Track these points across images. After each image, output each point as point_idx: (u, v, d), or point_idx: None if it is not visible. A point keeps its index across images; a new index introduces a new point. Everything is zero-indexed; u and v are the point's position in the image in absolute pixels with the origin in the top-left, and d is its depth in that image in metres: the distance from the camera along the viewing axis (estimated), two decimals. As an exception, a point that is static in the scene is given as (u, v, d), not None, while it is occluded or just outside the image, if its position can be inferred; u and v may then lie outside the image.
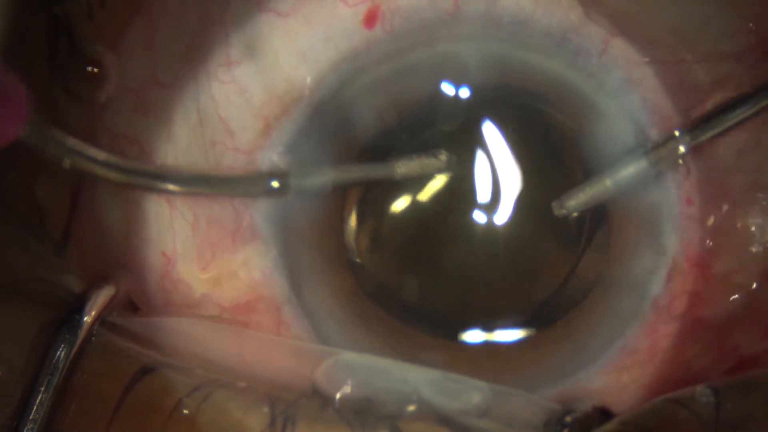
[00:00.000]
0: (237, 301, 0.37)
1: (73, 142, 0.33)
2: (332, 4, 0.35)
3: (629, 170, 0.35)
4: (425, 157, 0.37)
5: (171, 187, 0.35)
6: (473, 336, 0.39)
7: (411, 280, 0.39)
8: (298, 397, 0.32)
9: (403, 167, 0.37)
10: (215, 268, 0.37)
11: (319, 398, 0.32)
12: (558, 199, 0.37)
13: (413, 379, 0.33)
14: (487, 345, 0.39)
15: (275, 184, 0.36)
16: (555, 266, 0.39)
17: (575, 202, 0.37)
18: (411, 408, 0.32)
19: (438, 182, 0.38)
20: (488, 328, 0.39)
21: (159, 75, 0.36)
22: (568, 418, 0.30)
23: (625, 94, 0.35)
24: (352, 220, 0.39)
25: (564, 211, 0.37)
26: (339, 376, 0.33)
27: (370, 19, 0.35)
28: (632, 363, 0.36)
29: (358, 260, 0.39)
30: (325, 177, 0.36)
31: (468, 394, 0.32)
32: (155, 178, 0.35)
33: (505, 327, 0.39)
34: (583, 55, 0.35)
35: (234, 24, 0.35)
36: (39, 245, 0.35)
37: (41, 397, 0.32)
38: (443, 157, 0.37)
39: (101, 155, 0.34)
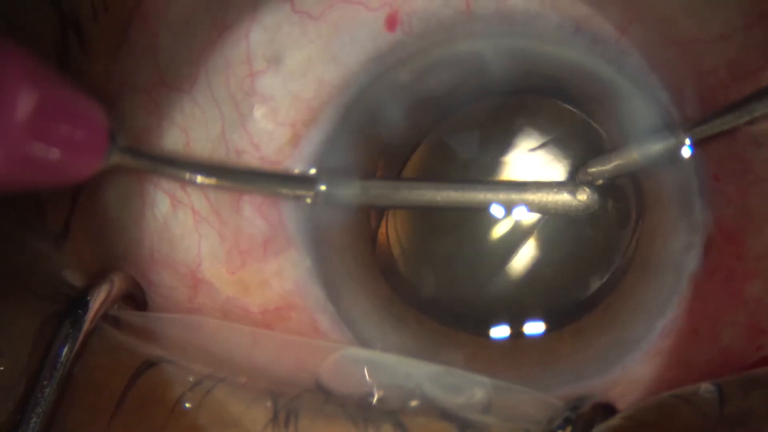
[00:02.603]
0: (266, 307, 0.37)
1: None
2: (355, 9, 0.35)
3: (654, 148, 0.36)
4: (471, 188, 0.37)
5: (198, 178, 0.35)
6: (515, 331, 0.39)
7: (445, 280, 0.39)
8: (301, 391, 0.32)
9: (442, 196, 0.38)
10: (245, 274, 0.37)
11: (322, 393, 0.32)
12: (582, 167, 0.37)
13: (416, 375, 0.33)
14: (531, 339, 0.39)
15: (304, 191, 0.36)
16: (592, 250, 0.39)
17: (598, 169, 0.37)
18: (414, 403, 0.32)
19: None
20: (530, 321, 0.39)
21: (168, 78, 0.36)
22: (571, 414, 0.30)
23: (646, 77, 0.35)
24: (383, 226, 0.39)
25: (589, 178, 0.37)
26: (343, 371, 0.33)
27: (391, 22, 0.36)
28: (673, 345, 0.36)
29: (391, 265, 0.39)
30: (354, 189, 0.37)
31: (471, 389, 0.32)
32: (180, 166, 0.35)
33: (548, 318, 0.39)
34: (600, 43, 0.35)
35: (259, 29, 0.35)
36: (40, 239, 0.35)
37: (45, 391, 0.32)
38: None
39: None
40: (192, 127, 0.36)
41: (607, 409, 0.30)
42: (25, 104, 0.25)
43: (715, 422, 0.28)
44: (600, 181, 0.38)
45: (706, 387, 0.29)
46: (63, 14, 0.33)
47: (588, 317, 0.38)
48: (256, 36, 0.35)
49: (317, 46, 0.35)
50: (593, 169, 0.37)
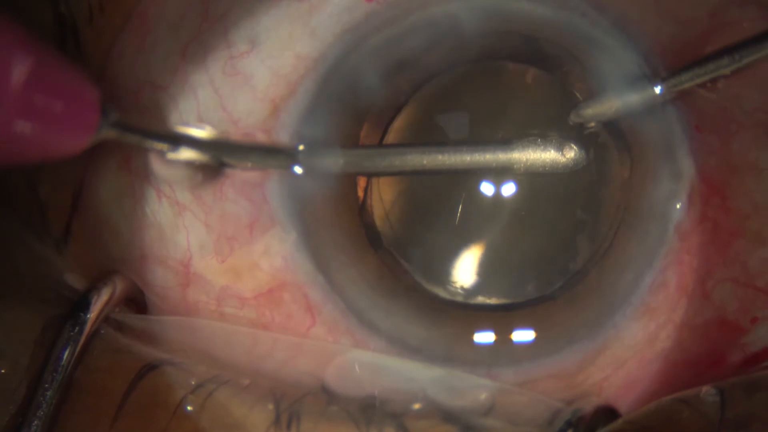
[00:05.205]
0: (259, 291, 0.37)
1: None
2: None
3: (636, 98, 0.35)
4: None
5: (182, 151, 0.35)
6: (507, 299, 0.38)
7: (434, 249, 0.39)
8: (304, 394, 0.32)
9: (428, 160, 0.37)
10: (234, 260, 0.37)
11: (325, 395, 0.32)
12: (574, 109, 0.37)
13: (419, 377, 0.33)
14: (526, 308, 0.38)
15: (288, 162, 0.36)
16: (581, 209, 0.39)
17: (593, 111, 0.37)
18: (417, 406, 0.32)
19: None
20: (522, 289, 0.38)
21: (154, 77, 0.35)
22: (573, 417, 0.30)
23: (622, 29, 0.35)
24: (368, 196, 0.39)
25: (581, 120, 0.37)
26: (347, 374, 0.33)
27: (370, -8, 0.36)
28: (662, 302, 0.36)
29: (377, 235, 0.39)
30: (334, 157, 0.37)
31: (473, 392, 0.33)
32: (170, 140, 0.34)
33: (539, 285, 0.38)
34: None
35: (245, 15, 0.35)
36: (41, 243, 0.35)
37: (46, 394, 0.31)
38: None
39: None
40: (172, 117, 0.36)
41: (608, 413, 0.30)
42: (17, 75, 0.25)
43: (718, 426, 0.28)
44: (592, 124, 0.37)
45: (707, 390, 0.29)
46: (61, 16, 0.32)
47: (582, 283, 0.38)
48: (241, 23, 0.35)
49: (297, 24, 0.35)
50: (587, 111, 0.37)
